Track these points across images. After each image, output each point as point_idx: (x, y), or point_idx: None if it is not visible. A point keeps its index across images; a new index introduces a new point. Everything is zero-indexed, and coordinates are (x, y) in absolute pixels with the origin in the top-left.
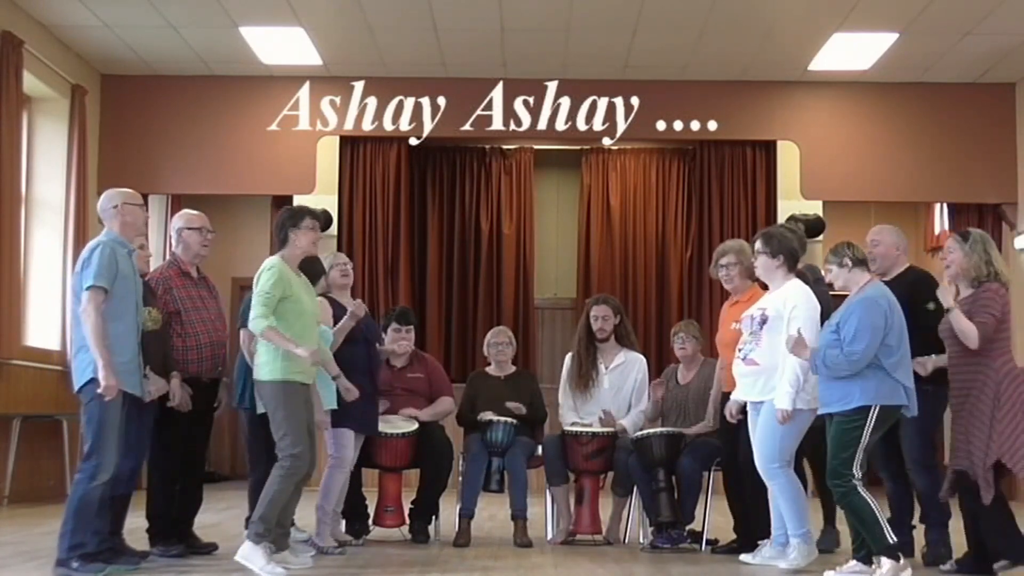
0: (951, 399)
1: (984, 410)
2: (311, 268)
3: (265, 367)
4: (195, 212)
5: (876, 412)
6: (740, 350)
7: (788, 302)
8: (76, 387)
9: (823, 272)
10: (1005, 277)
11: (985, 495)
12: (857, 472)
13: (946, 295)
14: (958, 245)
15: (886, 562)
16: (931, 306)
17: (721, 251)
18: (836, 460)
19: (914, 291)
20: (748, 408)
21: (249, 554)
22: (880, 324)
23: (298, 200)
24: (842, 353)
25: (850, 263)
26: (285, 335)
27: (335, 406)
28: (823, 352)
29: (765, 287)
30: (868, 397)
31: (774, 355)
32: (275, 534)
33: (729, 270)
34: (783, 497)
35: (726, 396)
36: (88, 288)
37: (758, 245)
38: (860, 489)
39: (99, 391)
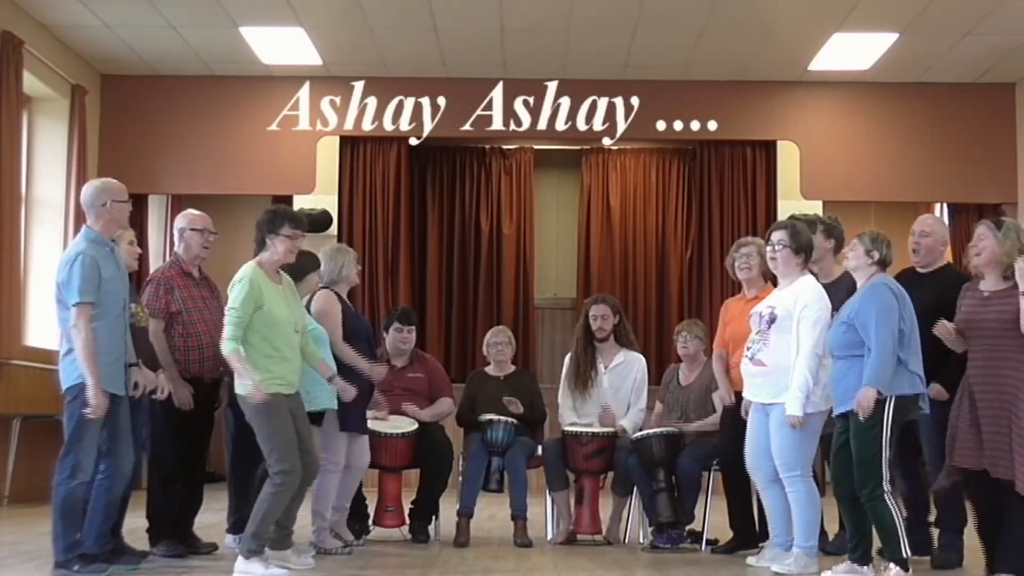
0: (978, 395)
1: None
2: (302, 262)
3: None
4: (198, 213)
5: (892, 403)
6: (748, 349)
7: (799, 301)
8: (63, 387)
9: (847, 248)
10: None
11: None
12: (886, 474)
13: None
14: (991, 232)
15: (895, 567)
16: None
17: (742, 242)
18: (863, 464)
19: (953, 286)
20: (753, 408)
21: (245, 568)
22: (893, 304)
23: (298, 200)
24: (871, 355)
25: (876, 257)
26: (246, 362)
27: (334, 406)
28: (869, 375)
29: (774, 282)
30: (881, 388)
31: (782, 356)
32: (276, 534)
33: (750, 259)
34: (798, 507)
35: (738, 395)
36: (74, 306)
37: (782, 237)
38: (887, 497)
39: (86, 411)
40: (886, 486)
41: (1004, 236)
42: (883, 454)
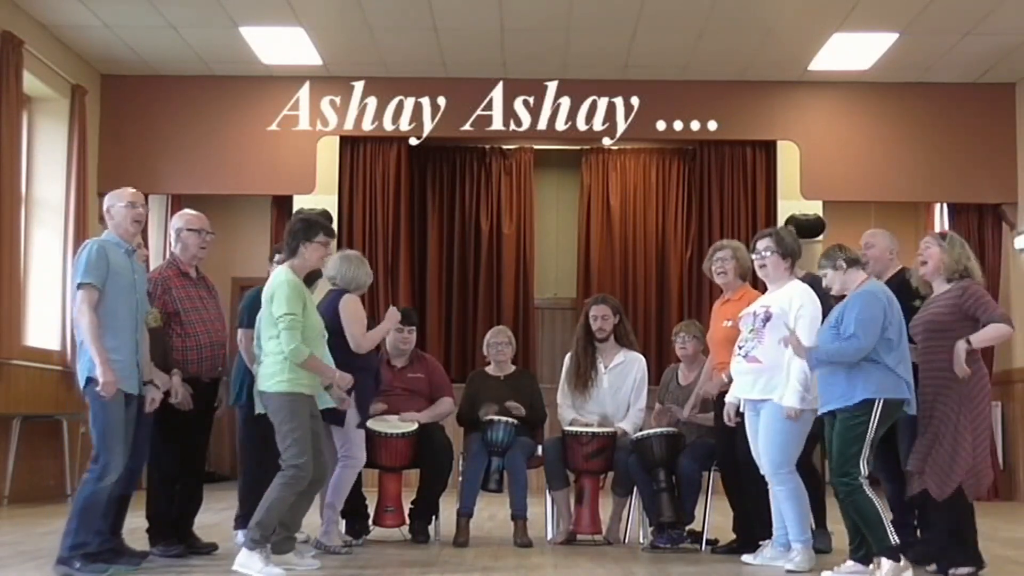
0: (920, 396)
1: (950, 415)
2: (312, 273)
3: (272, 378)
4: (195, 213)
5: (880, 406)
6: (740, 347)
7: (795, 301)
8: (80, 385)
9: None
10: (978, 278)
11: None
12: (863, 470)
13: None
14: (935, 242)
15: (886, 563)
16: (917, 303)
17: (718, 246)
18: (842, 457)
19: (899, 291)
20: (745, 406)
21: (246, 561)
22: (879, 316)
23: (298, 200)
24: (841, 341)
25: (844, 264)
26: (321, 363)
27: (335, 404)
28: (821, 348)
29: (756, 287)
30: (871, 391)
31: (777, 353)
32: (280, 536)
33: (725, 264)
34: (789, 502)
35: (721, 396)
36: (79, 287)
37: (769, 244)
38: (865, 488)
39: (97, 389)
40: (862, 480)
41: (950, 245)
42: (863, 452)
